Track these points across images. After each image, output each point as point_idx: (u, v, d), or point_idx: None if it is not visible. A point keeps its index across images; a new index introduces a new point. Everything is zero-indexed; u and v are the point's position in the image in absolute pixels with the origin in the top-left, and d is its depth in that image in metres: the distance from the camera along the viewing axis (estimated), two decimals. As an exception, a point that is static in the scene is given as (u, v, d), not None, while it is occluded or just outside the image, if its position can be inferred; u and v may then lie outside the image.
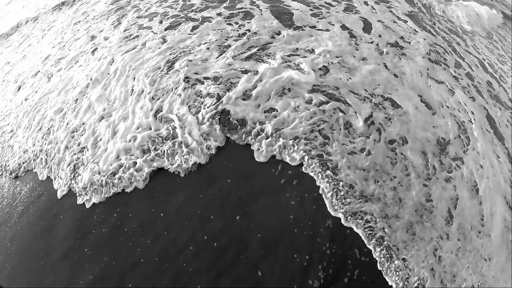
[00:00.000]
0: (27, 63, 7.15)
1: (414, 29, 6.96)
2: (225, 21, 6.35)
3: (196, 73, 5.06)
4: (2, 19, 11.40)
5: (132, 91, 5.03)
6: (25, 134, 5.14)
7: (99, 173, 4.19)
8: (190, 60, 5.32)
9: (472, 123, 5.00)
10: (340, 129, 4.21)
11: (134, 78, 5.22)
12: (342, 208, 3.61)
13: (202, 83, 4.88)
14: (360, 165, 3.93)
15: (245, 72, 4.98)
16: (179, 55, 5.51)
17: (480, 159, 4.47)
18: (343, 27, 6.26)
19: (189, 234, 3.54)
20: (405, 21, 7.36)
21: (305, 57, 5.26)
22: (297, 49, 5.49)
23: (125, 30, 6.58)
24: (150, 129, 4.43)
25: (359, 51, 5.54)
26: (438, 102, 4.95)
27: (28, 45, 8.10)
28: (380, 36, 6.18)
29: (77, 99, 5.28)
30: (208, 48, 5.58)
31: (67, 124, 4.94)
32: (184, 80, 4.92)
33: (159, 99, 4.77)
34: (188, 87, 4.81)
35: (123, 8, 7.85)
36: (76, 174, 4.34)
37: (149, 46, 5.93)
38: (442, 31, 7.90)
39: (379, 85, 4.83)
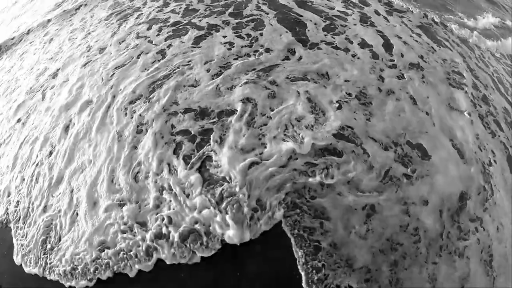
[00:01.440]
0: (22, 76, 6.09)
1: (432, 46, 6.20)
2: (234, 32, 5.40)
3: (176, 103, 4.19)
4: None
5: (111, 136, 4.11)
6: (8, 177, 4.35)
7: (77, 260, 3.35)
8: (178, 81, 4.49)
9: (492, 166, 4.48)
10: (340, 177, 3.43)
11: (117, 110, 4.38)
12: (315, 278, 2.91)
13: (185, 115, 4.05)
14: (355, 226, 3.16)
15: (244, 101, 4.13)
16: (172, 75, 4.64)
17: (501, 217, 3.90)
18: (363, 44, 5.38)
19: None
20: (419, 35, 6.57)
21: (316, 83, 4.44)
22: (308, 72, 4.64)
23: (122, 41, 5.61)
24: (136, 200, 3.50)
25: (385, 82, 4.65)
26: (465, 143, 4.28)
27: (24, 52, 6.97)
28: (402, 55, 5.36)
29: (62, 138, 4.42)
30: (207, 70, 4.62)
31: (50, 170, 4.11)
32: (164, 112, 4.10)
33: (140, 147, 3.87)
34: (168, 121, 4.02)
35: (123, 14, 6.70)
36: (48, 254, 3.52)
37: (143, 61, 5.03)
38: (455, 43, 7.15)
39: (404, 130, 4.05)
